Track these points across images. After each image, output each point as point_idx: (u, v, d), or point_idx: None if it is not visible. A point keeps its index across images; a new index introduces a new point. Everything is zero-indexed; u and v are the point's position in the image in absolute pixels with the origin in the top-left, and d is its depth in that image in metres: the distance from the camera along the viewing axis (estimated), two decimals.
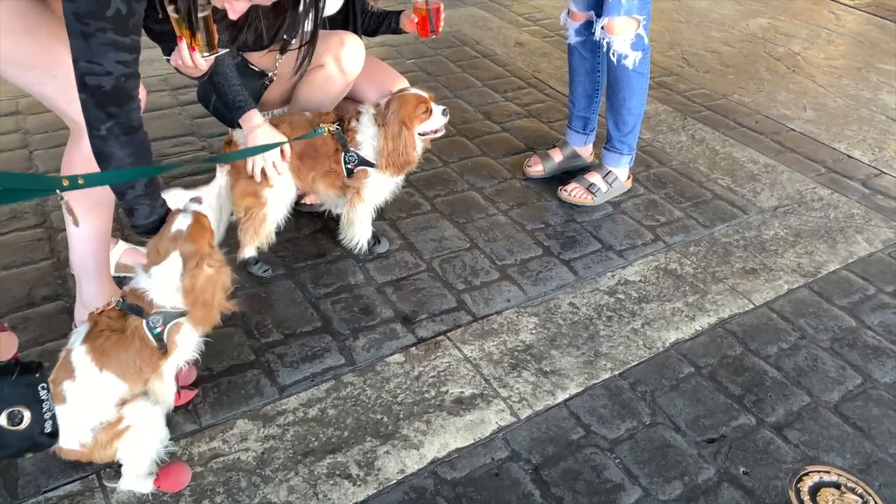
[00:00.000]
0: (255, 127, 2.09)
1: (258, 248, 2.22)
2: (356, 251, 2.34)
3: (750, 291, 2.33)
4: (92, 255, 1.88)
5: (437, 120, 2.22)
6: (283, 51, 2.38)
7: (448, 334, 2.09)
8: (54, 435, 1.36)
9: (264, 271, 2.26)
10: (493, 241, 2.51)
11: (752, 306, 2.27)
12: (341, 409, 1.83)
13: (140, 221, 1.62)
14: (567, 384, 1.95)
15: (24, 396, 1.29)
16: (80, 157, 1.76)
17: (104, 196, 1.84)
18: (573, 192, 2.71)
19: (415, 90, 2.22)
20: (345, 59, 2.34)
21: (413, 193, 2.71)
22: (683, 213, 2.71)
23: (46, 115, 3.02)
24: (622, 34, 2.42)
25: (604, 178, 2.72)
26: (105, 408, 1.55)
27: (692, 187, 2.88)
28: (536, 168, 2.88)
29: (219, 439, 1.74)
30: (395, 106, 2.16)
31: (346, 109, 2.68)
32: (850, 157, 3.20)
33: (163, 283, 1.56)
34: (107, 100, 1.49)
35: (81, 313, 1.95)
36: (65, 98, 1.68)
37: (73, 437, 1.52)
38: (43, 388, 1.32)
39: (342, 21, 2.55)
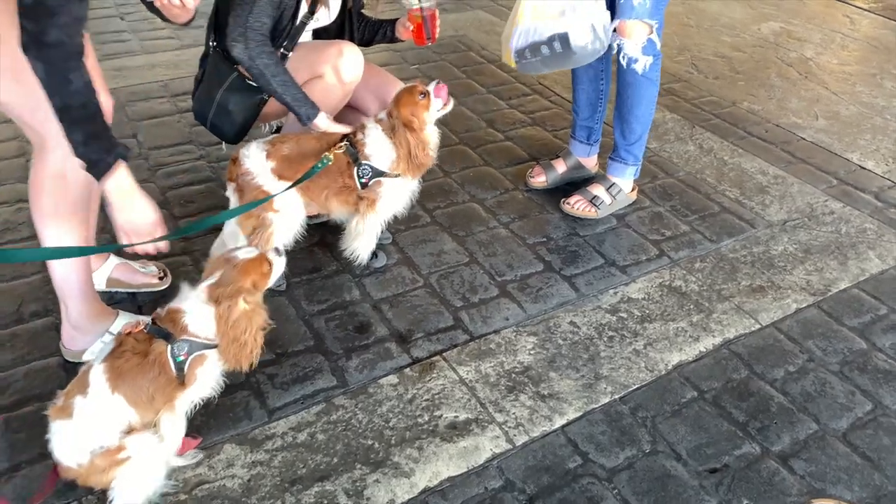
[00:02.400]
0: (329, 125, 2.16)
1: None
2: (355, 264, 2.29)
3: (756, 311, 2.26)
4: (73, 274, 1.84)
5: (440, 93, 2.16)
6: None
7: (444, 354, 2.04)
8: None
9: (277, 286, 2.22)
10: (493, 255, 2.45)
11: (758, 326, 2.20)
12: (331, 434, 1.78)
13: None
14: (565, 409, 1.89)
15: None
16: (47, 175, 1.71)
17: (78, 209, 1.79)
18: (576, 204, 2.64)
19: (403, 85, 2.18)
20: (343, 69, 2.29)
21: (412, 205, 2.65)
22: (689, 227, 2.64)
23: None
24: (634, 38, 2.36)
25: (608, 190, 2.65)
26: (108, 432, 1.49)
27: (699, 199, 2.81)
28: (539, 179, 2.82)
29: (205, 465, 1.69)
30: (395, 108, 2.13)
31: (346, 118, 2.64)
32: (862, 168, 3.11)
33: (200, 307, 1.52)
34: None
35: (70, 334, 1.91)
36: (28, 106, 1.61)
37: (72, 456, 1.47)
38: None
39: (337, 31, 2.51)
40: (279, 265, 1.63)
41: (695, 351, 2.10)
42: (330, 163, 2.05)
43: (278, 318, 2.10)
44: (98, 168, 1.56)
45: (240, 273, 1.54)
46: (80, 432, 1.47)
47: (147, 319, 1.57)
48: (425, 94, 2.13)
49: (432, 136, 2.20)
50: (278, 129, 2.62)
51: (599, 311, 2.23)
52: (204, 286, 1.55)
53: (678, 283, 2.37)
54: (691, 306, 2.27)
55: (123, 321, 1.95)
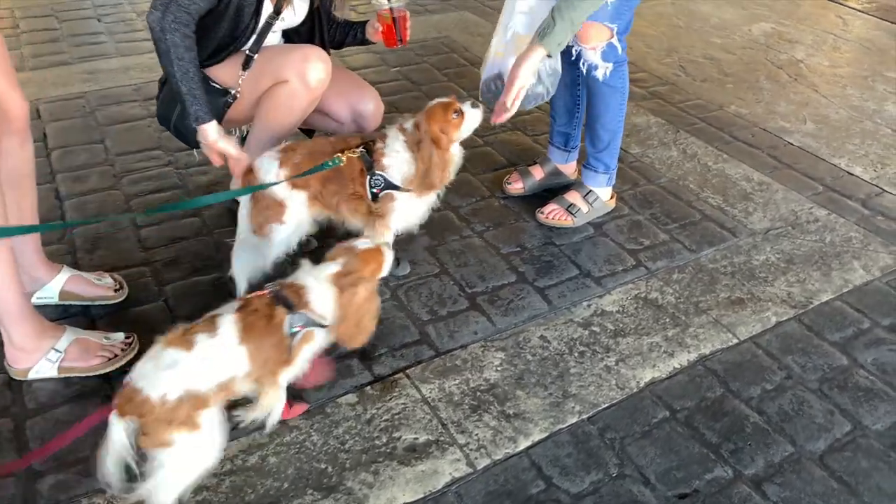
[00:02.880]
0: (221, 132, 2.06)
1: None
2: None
3: (735, 324, 2.18)
4: (6, 294, 1.74)
5: (473, 117, 2.04)
6: (245, 66, 2.26)
7: (407, 371, 1.96)
8: None
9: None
10: (465, 265, 2.37)
11: (735, 341, 2.12)
12: (283, 457, 1.70)
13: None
14: (530, 430, 1.81)
15: None
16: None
17: None
18: (551, 213, 2.56)
19: (438, 99, 2.05)
20: (309, 75, 2.21)
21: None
22: (669, 236, 2.57)
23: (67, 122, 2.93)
24: (591, 42, 2.27)
25: (584, 197, 2.58)
26: (212, 380, 1.48)
27: (680, 207, 2.73)
28: (516, 186, 2.74)
29: None
30: (425, 122, 2.00)
31: (317, 123, 2.56)
32: (850, 174, 3.03)
33: (323, 288, 1.60)
34: None
35: (14, 354, 1.83)
36: None
37: (166, 388, 1.42)
38: None
39: (307, 33, 2.43)
40: (390, 257, 1.74)
41: (669, 367, 2.02)
42: (341, 164, 1.96)
43: None
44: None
45: (361, 262, 1.64)
46: (190, 367, 1.45)
47: (273, 285, 1.63)
48: (459, 113, 2.02)
49: (456, 156, 2.09)
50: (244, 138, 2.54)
51: (571, 325, 2.15)
52: (328, 271, 1.62)
53: (654, 295, 2.29)
54: (667, 320, 2.19)
55: (73, 336, 1.88)
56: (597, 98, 2.40)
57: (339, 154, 1.97)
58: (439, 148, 2.01)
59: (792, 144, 3.24)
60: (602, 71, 2.31)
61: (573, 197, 2.58)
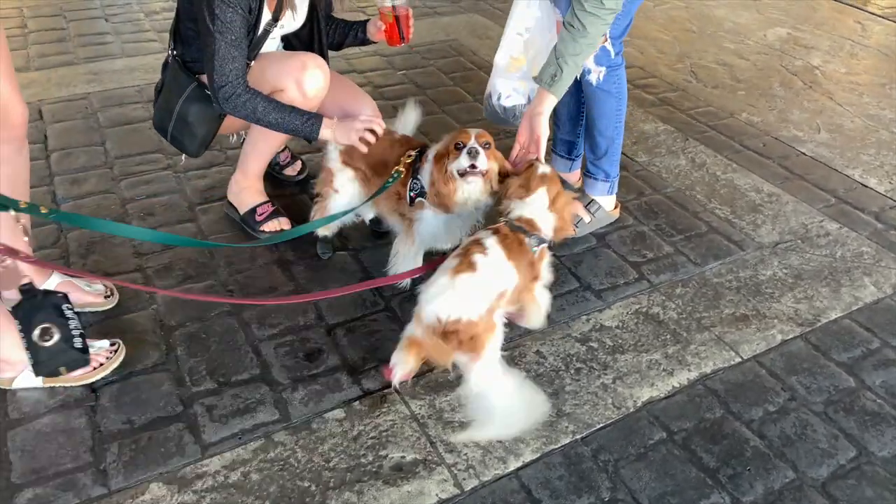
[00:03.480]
0: (335, 125, 2.12)
1: (325, 231, 2.32)
2: (399, 286, 2.20)
3: (738, 342, 2.11)
4: None
5: (462, 159, 1.91)
6: None
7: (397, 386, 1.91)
8: (85, 350, 1.44)
9: (323, 252, 2.35)
10: None
11: (738, 360, 2.05)
12: (266, 474, 1.66)
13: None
14: (522, 450, 1.76)
15: (51, 315, 1.37)
16: None
17: None
18: None
19: (474, 130, 1.98)
20: (306, 83, 2.18)
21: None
22: (673, 248, 2.50)
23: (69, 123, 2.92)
24: None
25: (586, 207, 2.52)
26: (493, 294, 1.73)
27: (686, 218, 2.66)
28: None
29: None
30: (443, 142, 2.01)
31: None
32: (864, 185, 2.95)
33: (539, 210, 1.86)
34: None
35: (1, 367, 1.81)
36: None
37: (467, 309, 1.66)
38: (67, 307, 1.36)
39: (307, 36, 2.39)
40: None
41: (667, 387, 1.96)
42: (400, 177, 2.05)
43: (224, 345, 2.00)
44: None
45: (554, 182, 1.91)
46: (480, 285, 1.71)
47: (504, 218, 1.88)
48: (459, 147, 1.94)
49: (459, 182, 1.97)
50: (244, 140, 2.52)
51: (569, 340, 2.10)
52: (543, 201, 1.88)
53: (656, 310, 2.22)
54: (668, 336, 2.13)
55: None
56: (592, 103, 2.35)
57: (398, 167, 2.05)
58: (441, 171, 1.95)
59: (804, 154, 3.16)
60: (595, 75, 2.25)
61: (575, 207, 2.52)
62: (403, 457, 1.72)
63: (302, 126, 2.10)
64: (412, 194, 2.05)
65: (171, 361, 1.94)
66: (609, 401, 1.91)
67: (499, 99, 2.29)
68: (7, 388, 1.81)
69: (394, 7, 2.22)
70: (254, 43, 2.19)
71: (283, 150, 2.77)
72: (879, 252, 2.53)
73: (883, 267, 2.46)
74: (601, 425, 1.84)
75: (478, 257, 1.74)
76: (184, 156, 2.58)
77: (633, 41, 4.14)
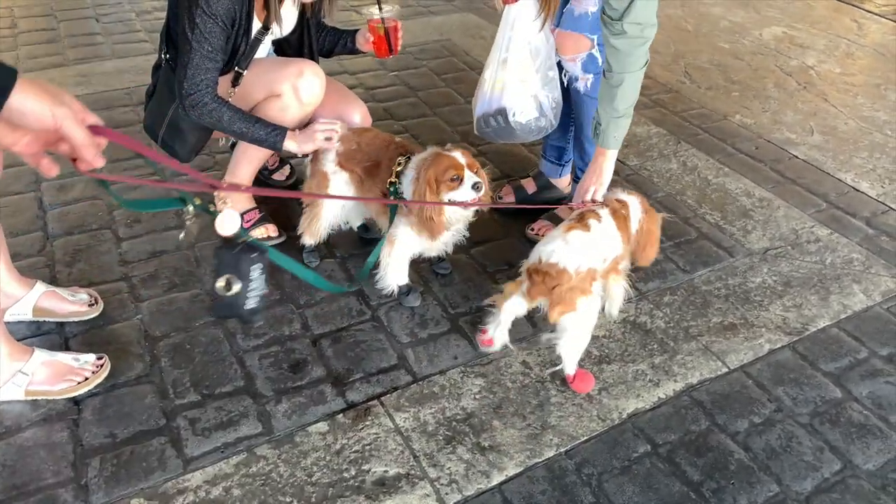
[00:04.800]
0: (297, 136, 2.14)
1: (312, 241, 2.30)
2: (384, 292, 2.18)
3: (725, 352, 2.11)
4: None
5: (465, 192, 1.92)
6: (235, 83, 2.22)
7: (382, 399, 1.91)
8: (255, 312, 1.40)
9: (310, 260, 2.35)
10: (449, 284, 2.32)
11: (725, 370, 2.05)
12: (248, 489, 1.66)
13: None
14: (505, 463, 1.75)
15: (240, 270, 1.34)
16: None
17: None
18: (540, 230, 2.50)
19: (456, 152, 1.96)
20: (302, 90, 2.17)
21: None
22: (663, 255, 2.48)
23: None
24: (570, 52, 2.21)
25: None
26: (602, 257, 1.86)
27: (676, 224, 2.65)
28: (508, 200, 2.68)
29: None
30: (428, 164, 1.94)
31: None
32: (856, 189, 2.94)
33: (634, 204, 1.99)
34: None
35: None
36: None
37: (581, 261, 1.78)
38: (258, 268, 1.34)
39: (297, 42, 2.38)
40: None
41: (653, 398, 1.95)
42: (398, 190, 2.04)
43: (209, 356, 1.99)
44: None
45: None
46: (590, 245, 1.83)
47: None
48: (459, 180, 1.92)
49: (450, 210, 1.98)
50: (233, 145, 2.50)
51: (555, 351, 2.08)
52: (637, 202, 2.01)
53: (643, 319, 2.22)
54: (655, 346, 2.12)
55: (42, 358, 1.84)
56: (580, 109, 2.33)
57: (392, 178, 2.05)
58: (432, 192, 1.93)
59: (797, 158, 3.14)
60: (583, 82, 2.24)
61: (564, 212, 2.51)
62: (386, 471, 1.72)
63: (266, 137, 2.12)
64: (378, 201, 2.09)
65: (155, 373, 1.93)
66: (594, 412, 1.90)
67: (514, 116, 2.23)
68: None
69: (383, 20, 2.20)
70: (246, 52, 2.17)
71: (271, 155, 2.75)
72: (869, 258, 2.52)
73: (872, 274, 2.45)
74: (585, 438, 1.83)
75: (592, 222, 1.87)
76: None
77: None
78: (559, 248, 1.80)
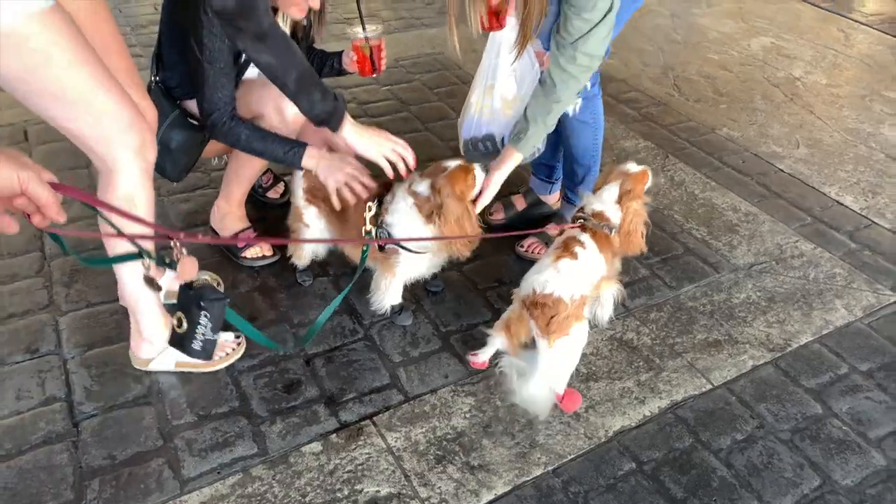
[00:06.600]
0: (322, 157, 2.07)
1: (301, 262, 2.35)
2: (378, 313, 2.23)
3: (709, 369, 2.16)
4: (144, 291, 1.87)
5: (479, 179, 2.03)
6: None
7: (374, 418, 1.95)
8: (200, 354, 1.41)
9: (303, 280, 2.39)
10: (441, 302, 2.36)
11: (709, 387, 2.10)
12: None
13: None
14: (494, 482, 1.80)
15: (190, 312, 1.38)
16: (116, 197, 1.72)
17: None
18: (530, 247, 2.55)
19: (453, 162, 2.01)
20: (287, 109, 2.21)
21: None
22: (649, 271, 2.54)
23: (56, 145, 2.98)
24: None
25: None
26: (592, 277, 1.95)
27: (663, 240, 2.71)
28: (498, 216, 2.73)
29: None
30: (452, 180, 1.95)
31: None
32: (840, 203, 2.99)
33: (613, 207, 2.03)
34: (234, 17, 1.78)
35: (140, 344, 2.00)
36: (95, 133, 1.63)
37: (572, 291, 1.84)
38: (205, 316, 1.38)
39: None
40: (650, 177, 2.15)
41: (639, 415, 2.00)
42: (368, 248, 2.07)
43: (204, 376, 2.04)
44: (336, 115, 1.95)
45: (635, 182, 2.06)
46: (579, 272, 1.89)
47: (581, 215, 2.05)
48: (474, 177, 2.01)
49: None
50: (227, 162, 2.54)
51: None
52: (613, 194, 2.05)
53: (630, 336, 2.27)
54: (641, 363, 2.17)
55: None
56: (568, 133, 2.38)
57: (366, 227, 2.04)
58: (463, 205, 1.96)
59: (782, 171, 3.20)
60: (571, 106, 2.28)
61: (553, 230, 2.56)
62: (378, 491, 1.77)
63: (284, 155, 2.10)
64: (380, 242, 2.04)
65: (152, 394, 1.98)
66: (581, 431, 1.95)
67: (502, 143, 2.28)
68: (143, 368, 2.01)
69: (366, 39, 2.25)
70: (237, 72, 2.21)
71: (265, 173, 2.80)
72: (852, 273, 2.58)
73: (854, 289, 2.51)
74: (572, 456, 1.88)
75: (578, 249, 1.93)
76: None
77: (619, 53, 4.17)
78: (552, 277, 1.86)
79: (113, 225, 1.35)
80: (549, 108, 2.03)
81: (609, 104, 3.55)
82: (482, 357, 2.06)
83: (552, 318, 1.83)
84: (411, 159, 2.06)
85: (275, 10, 2.14)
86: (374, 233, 2.04)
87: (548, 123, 2.06)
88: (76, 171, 2.91)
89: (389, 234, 2.02)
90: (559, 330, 1.84)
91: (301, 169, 2.13)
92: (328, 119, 1.97)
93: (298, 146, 2.10)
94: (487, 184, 2.06)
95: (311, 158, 2.08)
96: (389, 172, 2.06)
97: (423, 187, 1.98)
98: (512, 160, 2.09)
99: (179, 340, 1.40)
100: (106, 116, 1.60)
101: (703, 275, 2.55)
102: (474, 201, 2.04)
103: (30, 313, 2.21)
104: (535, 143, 2.10)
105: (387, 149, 2.05)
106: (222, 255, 2.49)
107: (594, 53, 1.94)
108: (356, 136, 2.04)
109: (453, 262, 2.52)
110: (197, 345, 1.38)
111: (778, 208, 2.94)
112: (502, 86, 2.24)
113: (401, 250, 2.05)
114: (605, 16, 1.87)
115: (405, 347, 2.18)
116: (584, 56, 1.93)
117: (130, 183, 1.73)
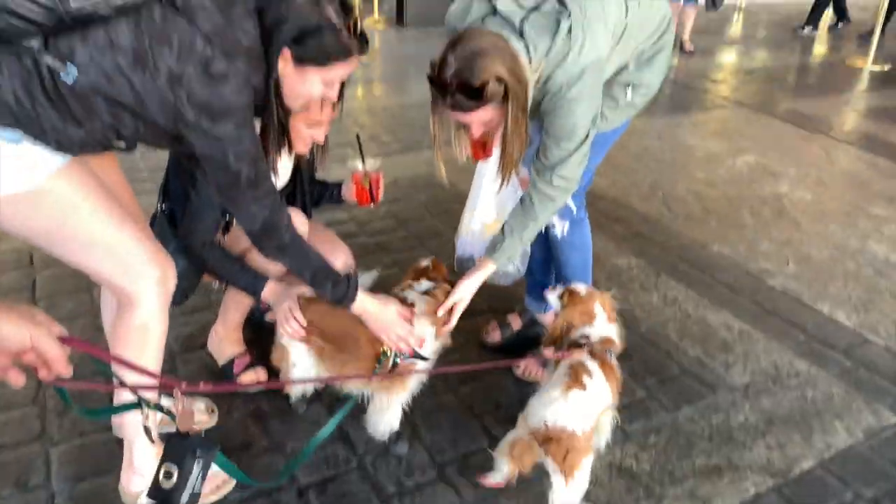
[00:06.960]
0: (277, 291, 2.17)
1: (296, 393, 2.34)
2: (377, 439, 2.21)
3: (710, 497, 2.11)
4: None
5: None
6: (225, 231, 2.33)
7: None
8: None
9: (297, 407, 2.37)
10: (436, 427, 2.34)
11: None
12: None
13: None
14: None
15: (183, 462, 1.33)
16: (132, 327, 1.76)
17: (159, 358, 1.89)
18: (527, 369, 2.55)
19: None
20: None
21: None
22: (646, 393, 2.53)
23: (60, 270, 3.03)
24: None
25: None
26: (599, 408, 1.92)
27: (659, 360, 2.71)
28: (494, 336, 2.75)
29: None
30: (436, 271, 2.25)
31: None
32: (832, 319, 3.02)
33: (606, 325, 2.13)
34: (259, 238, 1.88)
35: (129, 477, 1.96)
36: (118, 270, 1.70)
37: (581, 423, 1.83)
38: (199, 465, 1.34)
39: (289, 195, 2.52)
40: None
41: None
42: (386, 359, 2.10)
43: None
44: (347, 297, 1.99)
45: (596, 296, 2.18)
46: (590, 402, 1.89)
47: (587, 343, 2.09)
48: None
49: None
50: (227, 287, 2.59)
51: (543, 500, 2.09)
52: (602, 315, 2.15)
53: (629, 463, 2.23)
54: (641, 491, 2.13)
55: None
56: (558, 253, 2.46)
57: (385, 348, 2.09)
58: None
59: (774, 288, 3.25)
60: (560, 228, 2.37)
61: (549, 351, 2.57)
62: None
63: (247, 284, 2.20)
64: (399, 360, 2.09)
65: None
66: None
67: (475, 260, 2.37)
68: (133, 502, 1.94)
69: (366, 172, 2.36)
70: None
71: None
72: (849, 394, 2.57)
73: (854, 410, 2.49)
74: None
75: (586, 378, 1.92)
76: None
77: (607, 172, 4.33)
78: (562, 409, 1.85)
79: (116, 376, 1.37)
80: (525, 224, 2.12)
81: (600, 223, 3.66)
82: (494, 479, 2.03)
83: (567, 453, 1.81)
84: (406, 351, 2.10)
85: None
86: (392, 359, 2.08)
87: (524, 238, 2.14)
88: (78, 294, 2.96)
89: (416, 353, 2.08)
90: (576, 465, 1.83)
91: (260, 301, 2.23)
92: (340, 301, 2.02)
93: (261, 279, 2.19)
94: (455, 290, 2.13)
95: (269, 292, 2.19)
96: (284, 331, 2.15)
97: (422, 287, 2.17)
98: (484, 270, 2.16)
99: (165, 498, 1.33)
100: (128, 254, 1.68)
101: (699, 396, 2.53)
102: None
103: (21, 445, 2.19)
104: (510, 255, 2.17)
105: (391, 336, 2.08)
106: (220, 379, 2.49)
107: (571, 177, 2.04)
108: (366, 314, 2.07)
109: (450, 385, 2.53)
110: (185, 497, 1.35)
111: (771, 326, 2.96)
112: (482, 212, 2.35)
113: (418, 362, 2.09)
114: (580, 144, 1.98)
115: (399, 477, 2.14)
116: (561, 179, 2.03)
117: (149, 314, 1.79)
